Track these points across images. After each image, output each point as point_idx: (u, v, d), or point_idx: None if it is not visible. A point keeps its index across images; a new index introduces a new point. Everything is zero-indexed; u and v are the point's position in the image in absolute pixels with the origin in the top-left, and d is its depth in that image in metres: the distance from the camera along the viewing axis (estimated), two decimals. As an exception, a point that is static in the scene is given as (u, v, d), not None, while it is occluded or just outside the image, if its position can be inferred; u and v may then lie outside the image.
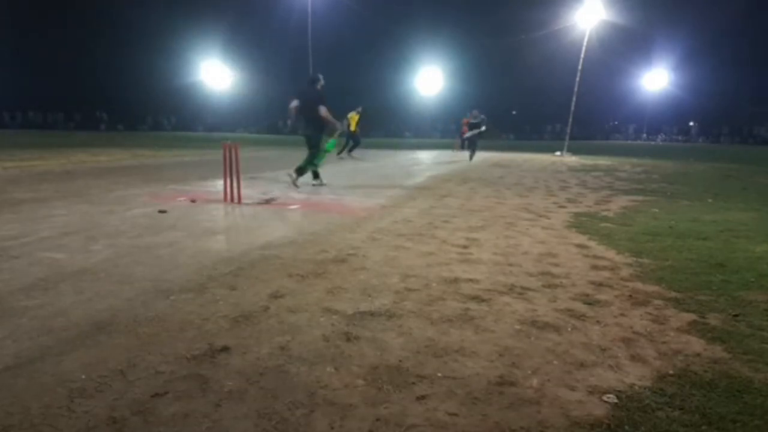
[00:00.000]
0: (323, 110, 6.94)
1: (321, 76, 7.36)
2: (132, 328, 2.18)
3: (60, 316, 2.30)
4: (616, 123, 57.00)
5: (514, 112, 56.77)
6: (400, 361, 1.93)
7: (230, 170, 5.82)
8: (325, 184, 7.75)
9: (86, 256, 3.32)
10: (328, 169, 11.47)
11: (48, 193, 6.29)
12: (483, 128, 15.31)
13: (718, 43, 45.02)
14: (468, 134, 15.98)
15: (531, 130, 55.28)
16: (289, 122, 7.91)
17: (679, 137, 52.43)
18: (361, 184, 8.32)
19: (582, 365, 1.94)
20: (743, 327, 2.33)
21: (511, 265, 3.37)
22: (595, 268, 3.34)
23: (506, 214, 5.50)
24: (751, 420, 1.57)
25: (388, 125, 56.42)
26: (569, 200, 6.79)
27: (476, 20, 51.47)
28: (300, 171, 7.26)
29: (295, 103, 7.10)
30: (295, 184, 7.20)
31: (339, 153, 16.30)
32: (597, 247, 3.94)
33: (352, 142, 16.73)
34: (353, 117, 16.96)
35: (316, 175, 7.76)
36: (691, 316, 2.46)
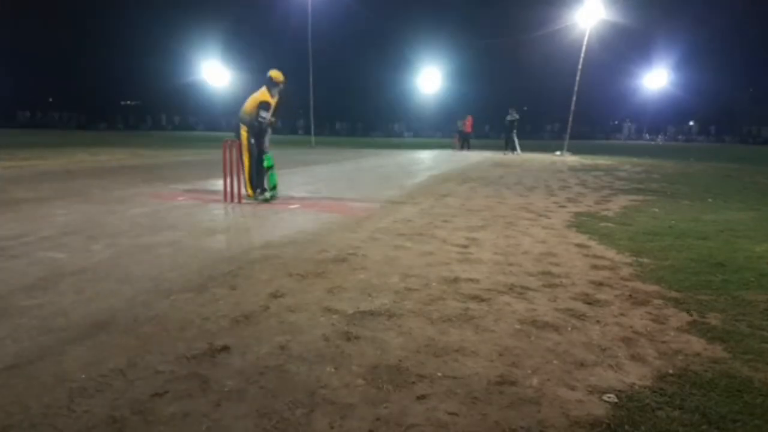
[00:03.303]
0: None
1: None
2: (132, 328, 2.18)
3: (60, 316, 2.30)
4: (617, 122, 56.95)
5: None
6: (400, 360, 1.93)
7: (230, 169, 5.82)
8: None
9: (86, 256, 3.32)
10: (327, 169, 11.47)
11: (48, 192, 6.29)
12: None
13: (718, 42, 45.02)
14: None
15: (531, 129, 55.19)
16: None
17: (680, 137, 52.39)
18: (361, 184, 8.32)
19: (582, 365, 1.94)
20: (743, 327, 2.33)
21: (511, 264, 3.37)
22: (595, 267, 3.33)
23: (506, 213, 5.50)
24: (751, 420, 1.57)
25: (388, 126, 56.43)
26: (569, 200, 6.79)
27: (476, 20, 51.50)
28: None
29: None
30: None
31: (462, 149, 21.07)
32: (597, 247, 3.94)
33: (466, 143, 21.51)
34: (468, 119, 21.64)
35: None
36: (691, 316, 2.46)
